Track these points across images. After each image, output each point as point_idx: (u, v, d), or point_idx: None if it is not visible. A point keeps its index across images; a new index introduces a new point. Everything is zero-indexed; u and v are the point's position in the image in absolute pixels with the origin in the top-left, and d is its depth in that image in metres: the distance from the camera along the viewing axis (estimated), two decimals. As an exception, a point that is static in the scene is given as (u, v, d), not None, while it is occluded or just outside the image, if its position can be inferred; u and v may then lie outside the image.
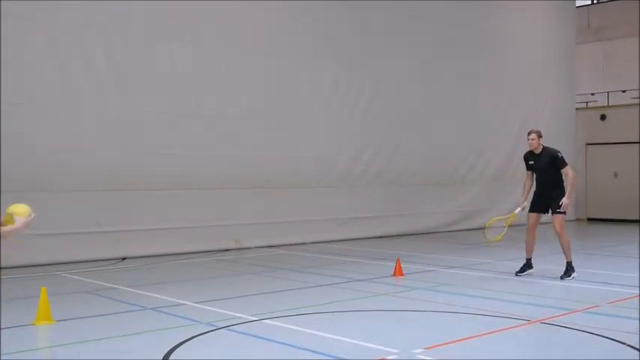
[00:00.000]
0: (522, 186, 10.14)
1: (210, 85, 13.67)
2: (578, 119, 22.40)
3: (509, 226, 11.06)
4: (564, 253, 9.69)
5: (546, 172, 9.71)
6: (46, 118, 11.68)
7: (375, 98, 16.49)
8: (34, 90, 11.58)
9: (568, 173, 9.69)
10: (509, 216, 10.71)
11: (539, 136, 9.81)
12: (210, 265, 11.68)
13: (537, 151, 9.79)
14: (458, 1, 18.11)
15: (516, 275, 9.94)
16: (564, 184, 9.68)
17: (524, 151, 10.08)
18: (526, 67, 20.38)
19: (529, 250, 10.00)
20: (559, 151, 9.76)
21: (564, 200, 9.51)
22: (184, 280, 10.14)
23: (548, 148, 9.84)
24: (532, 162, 9.88)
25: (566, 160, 9.73)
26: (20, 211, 4.13)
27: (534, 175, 9.99)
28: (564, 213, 9.61)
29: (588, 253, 13.31)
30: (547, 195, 9.72)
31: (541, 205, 9.81)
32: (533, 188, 10.00)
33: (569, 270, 9.69)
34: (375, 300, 8.29)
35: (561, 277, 9.62)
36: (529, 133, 9.88)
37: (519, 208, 10.03)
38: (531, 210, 9.91)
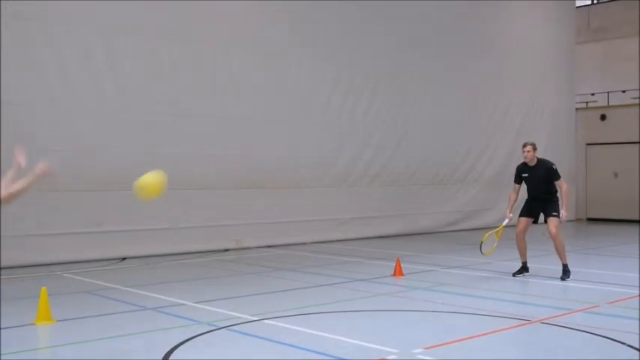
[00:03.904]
0: (508, 198, 10.03)
1: (210, 85, 13.66)
2: (578, 119, 22.40)
3: (499, 238, 10.23)
4: (559, 256, 9.66)
5: (541, 184, 9.67)
6: (46, 118, 11.67)
7: (375, 98, 16.49)
8: (34, 90, 11.58)
9: (562, 186, 9.69)
10: (498, 229, 10.11)
11: (535, 148, 9.74)
12: (210, 265, 11.68)
13: (532, 164, 9.71)
14: (458, 2, 18.11)
15: (513, 276, 9.92)
16: (558, 194, 9.69)
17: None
18: (526, 67, 20.39)
19: (523, 254, 9.95)
20: (554, 164, 9.75)
21: (563, 212, 9.51)
22: (184, 280, 10.14)
23: (542, 160, 9.82)
24: (526, 174, 9.78)
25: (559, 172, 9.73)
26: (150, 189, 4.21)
27: (523, 188, 9.91)
28: (559, 217, 9.55)
29: (588, 253, 13.31)
30: (541, 203, 9.70)
31: (533, 212, 9.78)
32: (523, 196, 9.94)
33: (566, 271, 9.63)
34: (375, 300, 8.29)
35: (562, 279, 9.56)
36: (524, 146, 9.79)
37: (506, 220, 9.80)
38: (522, 214, 9.85)
